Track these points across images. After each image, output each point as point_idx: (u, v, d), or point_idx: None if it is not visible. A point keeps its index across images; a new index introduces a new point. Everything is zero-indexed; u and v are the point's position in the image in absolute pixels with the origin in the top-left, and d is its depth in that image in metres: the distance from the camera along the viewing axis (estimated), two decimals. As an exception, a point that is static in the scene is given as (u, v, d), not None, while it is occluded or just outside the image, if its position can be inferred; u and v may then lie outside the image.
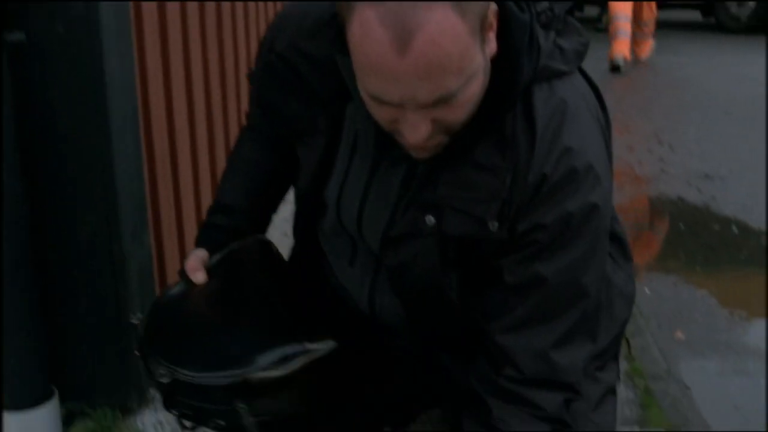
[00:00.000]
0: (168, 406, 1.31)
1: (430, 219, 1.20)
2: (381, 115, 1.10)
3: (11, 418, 1.92)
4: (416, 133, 1.07)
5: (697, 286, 3.13)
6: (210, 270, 1.40)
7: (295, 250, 1.57)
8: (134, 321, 1.39)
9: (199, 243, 1.49)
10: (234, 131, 3.02)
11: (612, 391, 1.40)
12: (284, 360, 1.24)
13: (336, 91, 1.25)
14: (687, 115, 6.01)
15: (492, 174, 1.16)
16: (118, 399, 2.09)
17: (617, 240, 1.46)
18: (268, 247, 1.50)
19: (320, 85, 1.28)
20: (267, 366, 1.23)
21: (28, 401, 1.93)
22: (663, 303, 2.95)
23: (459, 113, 1.08)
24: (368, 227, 1.33)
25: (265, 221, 1.59)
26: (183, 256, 2.48)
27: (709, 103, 6.40)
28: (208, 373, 1.24)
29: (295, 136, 1.36)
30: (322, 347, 1.27)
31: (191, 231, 2.51)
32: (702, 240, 3.64)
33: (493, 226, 1.18)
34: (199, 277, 1.38)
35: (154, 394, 2.18)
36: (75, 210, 1.93)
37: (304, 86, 1.30)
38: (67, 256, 1.97)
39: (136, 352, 1.32)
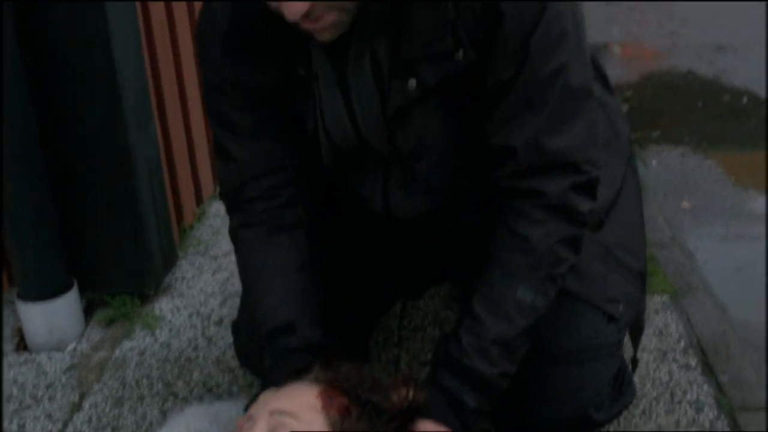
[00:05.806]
0: None
1: (412, 82, 1.23)
2: (270, 7, 1.13)
3: (32, 309, 2.00)
4: (293, 8, 1.09)
5: (704, 156, 3.14)
6: None
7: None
8: None
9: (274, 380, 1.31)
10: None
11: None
12: None
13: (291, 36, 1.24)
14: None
15: (432, 8, 1.19)
16: (136, 287, 2.16)
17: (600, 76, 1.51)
18: None
19: (276, 35, 1.27)
20: None
21: (48, 292, 2.00)
22: (670, 174, 2.97)
23: None
24: (368, 129, 1.34)
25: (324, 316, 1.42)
26: (191, 147, 2.53)
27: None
28: None
29: (287, 95, 1.35)
30: None
31: (197, 121, 2.54)
32: (711, 112, 3.62)
33: (458, 55, 1.21)
34: None
35: (170, 281, 2.26)
36: (76, 103, 1.96)
37: (265, 44, 1.29)
38: (75, 148, 2.00)
39: None
